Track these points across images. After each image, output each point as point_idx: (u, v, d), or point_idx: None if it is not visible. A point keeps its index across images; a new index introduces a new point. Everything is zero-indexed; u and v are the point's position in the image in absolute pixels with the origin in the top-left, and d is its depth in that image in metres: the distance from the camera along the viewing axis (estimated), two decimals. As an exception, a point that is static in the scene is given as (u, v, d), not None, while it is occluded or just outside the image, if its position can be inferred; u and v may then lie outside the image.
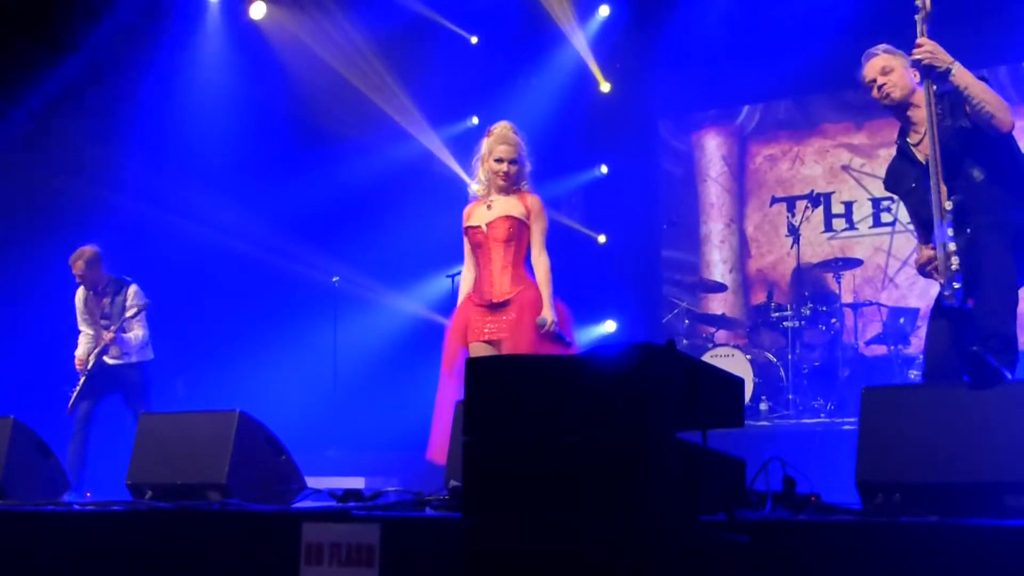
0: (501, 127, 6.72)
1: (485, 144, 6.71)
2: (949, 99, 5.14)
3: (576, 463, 2.89)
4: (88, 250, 8.92)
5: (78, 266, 8.87)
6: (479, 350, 6.47)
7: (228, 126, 11.41)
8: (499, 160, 6.62)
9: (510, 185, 6.62)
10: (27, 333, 9.35)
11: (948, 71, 5.07)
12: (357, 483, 8.30)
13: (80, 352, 8.89)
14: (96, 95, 10.78)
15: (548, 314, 6.38)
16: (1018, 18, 10.47)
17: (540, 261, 6.56)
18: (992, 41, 10.63)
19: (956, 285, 4.99)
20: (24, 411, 6.30)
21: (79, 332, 9.03)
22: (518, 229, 6.54)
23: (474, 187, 6.77)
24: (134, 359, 8.91)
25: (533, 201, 6.60)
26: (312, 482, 5.48)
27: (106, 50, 10.63)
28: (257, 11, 11.67)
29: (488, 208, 6.62)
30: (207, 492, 5.18)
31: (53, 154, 10.42)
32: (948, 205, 5.04)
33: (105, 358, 8.84)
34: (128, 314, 8.82)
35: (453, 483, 4.81)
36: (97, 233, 10.35)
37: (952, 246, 5.00)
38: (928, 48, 5.11)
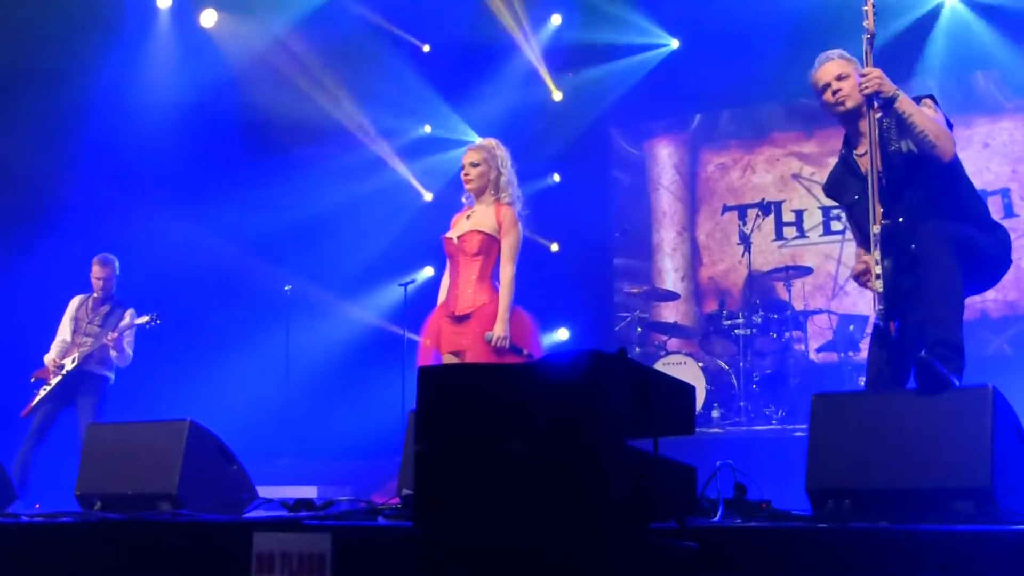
0: (483, 140, 6.94)
1: None
2: (897, 116, 5.14)
3: (526, 471, 2.89)
4: (116, 260, 9.21)
5: (107, 271, 9.12)
6: (448, 360, 6.53)
7: (179, 134, 11.33)
8: (462, 166, 6.80)
9: (479, 190, 6.74)
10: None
11: (893, 99, 5.09)
12: (309, 492, 8.28)
13: (53, 356, 8.87)
14: (44, 102, 10.67)
15: (498, 328, 6.43)
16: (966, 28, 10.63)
17: (504, 272, 6.60)
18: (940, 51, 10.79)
19: (879, 307, 5.03)
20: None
21: (54, 338, 9.02)
22: (487, 243, 6.61)
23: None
24: (106, 372, 8.96)
25: (505, 213, 6.66)
26: (264, 492, 5.46)
27: (55, 57, 10.54)
28: (208, 19, 11.60)
29: (467, 219, 6.70)
30: (157, 502, 5.14)
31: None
32: (876, 229, 5.07)
33: (89, 361, 8.85)
34: (126, 332, 8.99)
35: (405, 491, 4.80)
36: (46, 242, 10.28)
37: (878, 268, 5.04)
38: (875, 76, 5.12)
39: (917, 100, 5.20)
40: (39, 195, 10.72)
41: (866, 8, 5.22)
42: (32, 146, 10.61)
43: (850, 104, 5.33)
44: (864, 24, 5.22)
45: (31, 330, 9.90)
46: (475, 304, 6.54)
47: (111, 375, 8.98)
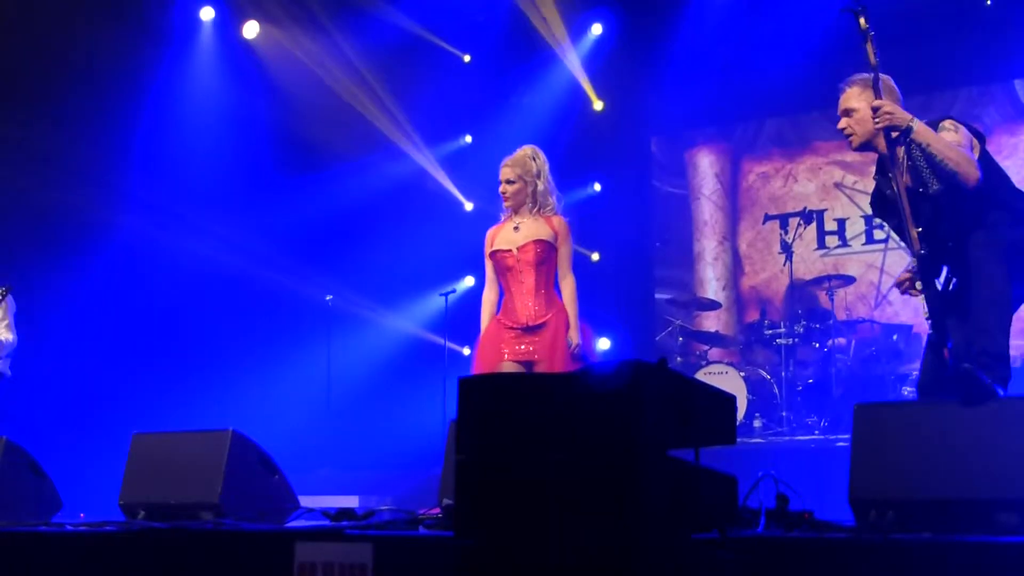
0: (519, 150, 6.91)
1: None
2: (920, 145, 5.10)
3: (568, 481, 2.89)
4: None
5: None
6: (510, 369, 6.59)
7: (222, 145, 11.39)
8: (499, 182, 6.84)
9: (517, 205, 6.81)
10: (31, 353, 9.28)
11: (909, 129, 5.03)
12: (351, 502, 8.29)
13: None
14: (98, 111, 10.75)
15: (575, 336, 6.60)
16: (1009, 36, 10.54)
17: (567, 283, 6.75)
18: (984, 59, 10.70)
19: (927, 314, 5.02)
20: (19, 431, 6.30)
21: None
22: (548, 252, 6.71)
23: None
24: None
25: (560, 223, 6.78)
26: (305, 501, 5.48)
27: (102, 69, 10.62)
28: (250, 30, 11.67)
29: (516, 230, 6.76)
30: (200, 512, 5.17)
31: (51, 172, 10.39)
32: (914, 260, 5.06)
33: None
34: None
35: (446, 501, 4.81)
36: (94, 250, 10.35)
37: (921, 298, 5.04)
38: (885, 112, 5.06)
39: (934, 124, 5.13)
40: (89, 202, 10.78)
41: (866, 46, 5.17)
42: (81, 155, 10.68)
43: (856, 141, 5.32)
44: (870, 63, 5.18)
45: (82, 329, 10.02)
46: (547, 314, 6.64)
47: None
